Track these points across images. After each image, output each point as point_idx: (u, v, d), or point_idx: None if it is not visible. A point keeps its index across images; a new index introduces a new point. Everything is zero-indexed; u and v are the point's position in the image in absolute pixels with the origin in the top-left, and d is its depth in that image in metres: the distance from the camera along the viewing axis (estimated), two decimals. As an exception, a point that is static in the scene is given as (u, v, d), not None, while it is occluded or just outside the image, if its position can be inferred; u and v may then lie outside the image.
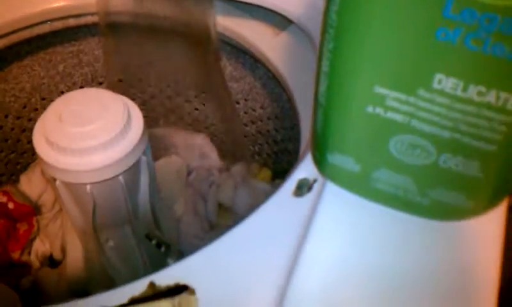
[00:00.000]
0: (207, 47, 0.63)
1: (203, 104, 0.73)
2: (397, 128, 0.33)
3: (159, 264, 0.70)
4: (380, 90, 0.31)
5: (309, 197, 0.39)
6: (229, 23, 0.67)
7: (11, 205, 0.75)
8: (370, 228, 0.36)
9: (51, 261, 0.80)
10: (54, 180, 0.55)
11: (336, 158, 0.36)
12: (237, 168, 0.87)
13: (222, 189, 0.84)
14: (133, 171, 0.56)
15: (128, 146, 0.53)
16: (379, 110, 0.32)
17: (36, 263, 0.79)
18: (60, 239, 0.80)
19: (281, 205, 0.38)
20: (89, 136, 0.52)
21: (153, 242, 0.69)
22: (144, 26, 0.64)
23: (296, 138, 0.77)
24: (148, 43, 0.66)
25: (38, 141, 0.53)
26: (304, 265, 0.33)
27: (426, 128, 0.32)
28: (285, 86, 0.64)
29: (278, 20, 0.66)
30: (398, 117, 0.32)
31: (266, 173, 0.87)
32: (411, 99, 0.31)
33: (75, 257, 0.66)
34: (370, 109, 0.33)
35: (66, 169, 0.52)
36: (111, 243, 0.64)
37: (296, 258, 0.34)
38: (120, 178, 0.55)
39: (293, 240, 0.35)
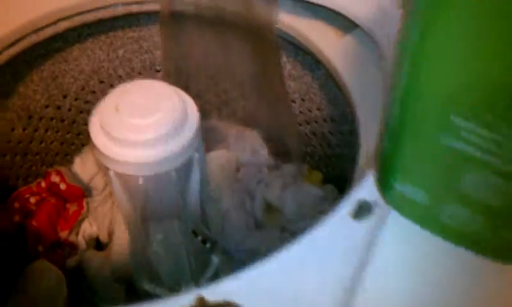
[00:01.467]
0: (267, 44, 0.62)
1: (258, 100, 0.72)
2: (472, 164, 0.31)
3: (202, 259, 0.70)
4: (457, 120, 0.29)
5: (369, 221, 0.37)
6: (292, 22, 0.65)
7: (63, 186, 0.76)
8: (433, 263, 0.34)
9: (97, 244, 0.81)
10: (107, 168, 0.55)
11: (402, 187, 0.34)
12: (288, 168, 0.85)
13: (270, 188, 0.83)
14: (185, 167, 0.55)
15: (183, 141, 0.53)
16: (454, 142, 0.30)
17: (82, 244, 0.79)
18: (108, 222, 0.81)
19: (339, 227, 0.36)
20: (145, 129, 0.52)
21: (199, 238, 0.69)
22: (205, 17, 0.63)
23: (352, 144, 0.74)
24: (207, 35, 0.65)
25: (94, 129, 0.53)
26: (362, 296, 0.32)
27: (504, 167, 0.30)
28: (345, 90, 0.62)
29: (343, 23, 0.64)
30: (474, 151, 0.30)
31: (317, 176, 0.85)
32: (491, 134, 0.29)
33: (121, 245, 0.67)
34: (444, 140, 0.31)
35: (120, 160, 0.52)
36: (158, 235, 0.64)
37: (353, 287, 0.32)
38: (173, 172, 0.54)
39: (350, 267, 0.33)
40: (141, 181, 0.54)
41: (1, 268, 0.72)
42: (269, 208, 0.83)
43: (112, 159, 0.52)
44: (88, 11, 0.66)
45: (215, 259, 0.72)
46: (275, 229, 0.81)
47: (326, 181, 0.84)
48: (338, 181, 0.80)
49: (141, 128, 0.51)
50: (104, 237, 0.80)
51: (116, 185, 0.55)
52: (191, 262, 0.67)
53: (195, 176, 0.58)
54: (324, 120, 0.77)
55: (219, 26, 0.62)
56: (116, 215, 0.66)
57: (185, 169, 0.56)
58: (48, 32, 0.65)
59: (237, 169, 0.84)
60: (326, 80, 0.71)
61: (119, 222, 0.66)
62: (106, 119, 0.52)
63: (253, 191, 0.84)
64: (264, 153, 0.87)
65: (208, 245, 0.71)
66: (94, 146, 0.54)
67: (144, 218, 0.60)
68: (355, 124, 0.59)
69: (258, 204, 0.83)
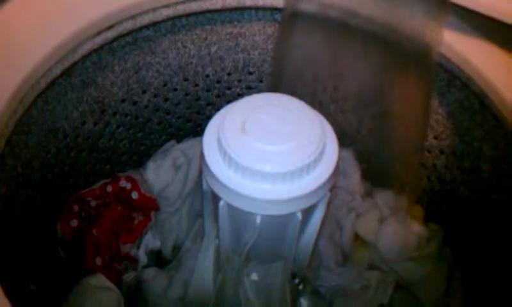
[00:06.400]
0: (416, 68, 0.50)
1: (380, 120, 0.60)
2: None
3: (293, 302, 0.60)
4: None
5: None
6: (455, 43, 0.53)
7: (135, 195, 0.66)
8: None
9: (157, 258, 0.71)
10: (217, 197, 0.44)
11: None
12: (383, 197, 0.74)
13: (363, 220, 0.72)
14: (312, 207, 0.45)
15: (320, 178, 0.42)
16: None
17: (143, 258, 0.70)
18: (174, 237, 0.71)
19: None
20: (277, 158, 0.41)
21: (297, 280, 0.58)
22: (337, 22, 0.52)
23: (474, 184, 0.64)
24: (335, 43, 0.54)
25: (209, 147, 0.43)
26: None
27: None
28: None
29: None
30: None
31: (418, 211, 0.74)
32: None
33: (203, 278, 0.56)
34: None
35: (237, 192, 0.42)
36: (254, 276, 0.54)
37: None
38: (299, 214, 0.43)
39: None
40: (258, 220, 0.43)
41: (54, 278, 0.63)
42: (358, 241, 0.72)
43: (227, 188, 0.42)
44: (182, 2, 0.55)
45: (304, 302, 0.62)
46: (363, 265, 0.70)
47: (426, 218, 0.73)
48: (441, 221, 0.69)
49: (272, 156, 0.41)
50: (167, 253, 0.70)
51: (224, 217, 0.45)
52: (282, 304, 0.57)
53: (318, 217, 0.47)
54: (442, 151, 0.66)
55: (354, 35, 0.51)
56: (203, 244, 0.56)
57: (310, 210, 0.45)
58: (146, 19, 0.55)
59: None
60: (459, 109, 0.60)
61: (204, 252, 0.55)
62: (229, 140, 0.41)
63: (341, 220, 0.73)
64: (356, 176, 0.76)
65: (301, 287, 0.61)
66: (205, 167, 0.43)
67: (246, 257, 0.49)
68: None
69: (346, 237, 0.72)
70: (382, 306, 0.63)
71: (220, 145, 0.41)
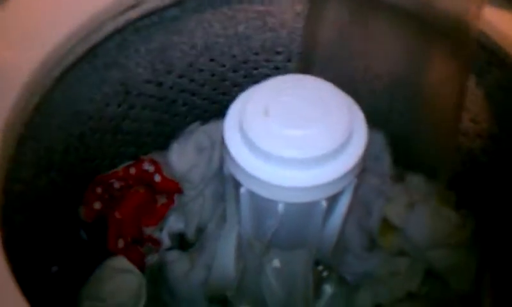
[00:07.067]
0: (453, 47, 0.47)
1: (416, 104, 0.58)
2: None
3: (316, 289, 0.58)
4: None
5: None
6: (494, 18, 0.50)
7: (157, 178, 0.65)
8: None
9: (181, 241, 0.70)
10: (238, 183, 0.43)
11: None
12: (414, 181, 0.71)
13: (393, 204, 0.69)
14: (338, 194, 0.43)
15: (347, 164, 0.40)
16: None
17: (166, 241, 0.69)
18: (198, 220, 0.70)
19: None
20: (302, 143, 0.39)
21: (320, 267, 0.56)
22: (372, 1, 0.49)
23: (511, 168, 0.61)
24: (366, 21, 0.51)
25: (230, 131, 0.41)
26: None
27: None
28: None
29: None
30: None
31: (450, 196, 0.71)
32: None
33: (225, 263, 0.55)
34: None
35: (259, 178, 0.40)
36: (276, 263, 0.52)
37: None
38: (323, 202, 0.41)
39: None
40: (280, 208, 0.41)
41: (76, 260, 0.63)
42: (386, 225, 0.70)
43: (248, 174, 0.40)
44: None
45: (328, 289, 0.60)
46: (392, 250, 0.68)
47: (457, 204, 0.70)
48: (473, 208, 0.66)
49: (296, 141, 0.39)
50: (190, 235, 0.69)
51: (246, 204, 0.44)
52: (306, 295, 0.55)
53: (343, 204, 0.45)
54: (478, 135, 0.63)
55: (388, 14, 0.48)
56: (225, 229, 0.54)
57: (336, 197, 0.43)
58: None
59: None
60: (498, 90, 0.56)
61: (227, 237, 0.54)
62: (251, 124, 0.39)
63: (370, 204, 0.71)
64: (387, 160, 0.73)
65: (325, 274, 0.59)
66: (226, 152, 0.41)
67: (268, 243, 0.48)
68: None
69: (374, 222, 0.69)
70: (410, 293, 0.61)
71: (241, 128, 0.40)
